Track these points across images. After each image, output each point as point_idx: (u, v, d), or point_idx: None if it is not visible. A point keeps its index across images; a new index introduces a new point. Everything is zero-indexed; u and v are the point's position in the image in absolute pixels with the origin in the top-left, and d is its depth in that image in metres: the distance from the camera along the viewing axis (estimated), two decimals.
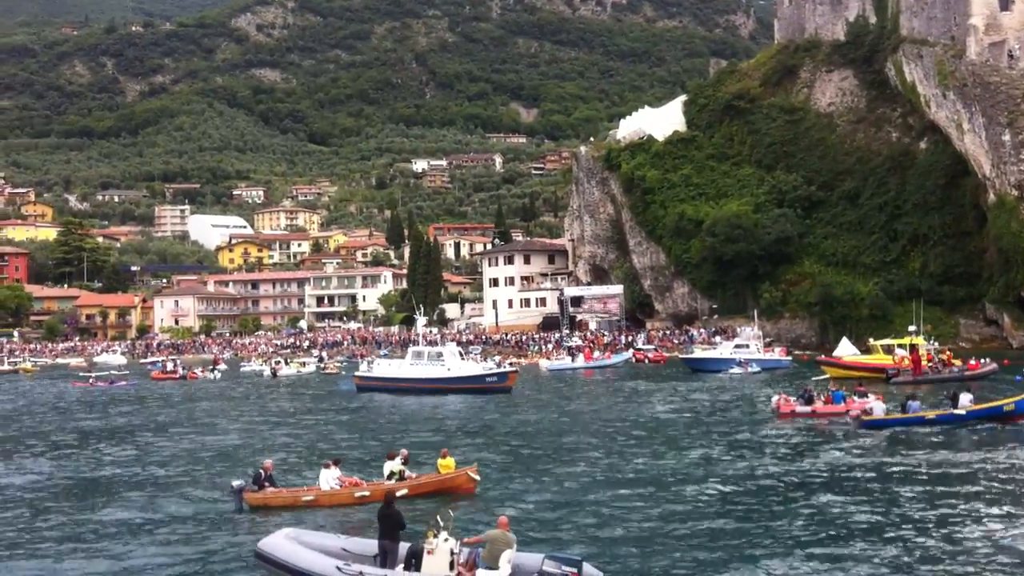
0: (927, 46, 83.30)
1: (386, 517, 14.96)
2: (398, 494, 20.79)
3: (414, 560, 14.45)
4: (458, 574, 13.89)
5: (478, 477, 22.31)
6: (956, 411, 31.71)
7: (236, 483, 22.12)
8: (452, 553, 14.22)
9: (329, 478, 22.33)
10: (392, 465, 22.81)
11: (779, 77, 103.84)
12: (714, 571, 15.68)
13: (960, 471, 23.84)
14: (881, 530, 18.14)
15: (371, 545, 15.12)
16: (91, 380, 68.52)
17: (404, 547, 14.86)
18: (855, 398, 36.95)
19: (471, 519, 19.29)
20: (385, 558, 14.63)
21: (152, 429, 38.82)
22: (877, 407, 33.25)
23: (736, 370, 60.70)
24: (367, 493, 21.64)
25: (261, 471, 22.54)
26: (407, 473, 22.78)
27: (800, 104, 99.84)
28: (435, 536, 14.33)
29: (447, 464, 23.16)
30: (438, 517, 14.86)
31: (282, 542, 14.89)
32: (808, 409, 36.34)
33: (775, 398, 38.27)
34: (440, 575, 13.72)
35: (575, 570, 13.96)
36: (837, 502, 20.78)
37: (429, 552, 14.22)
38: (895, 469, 24.51)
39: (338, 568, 14.07)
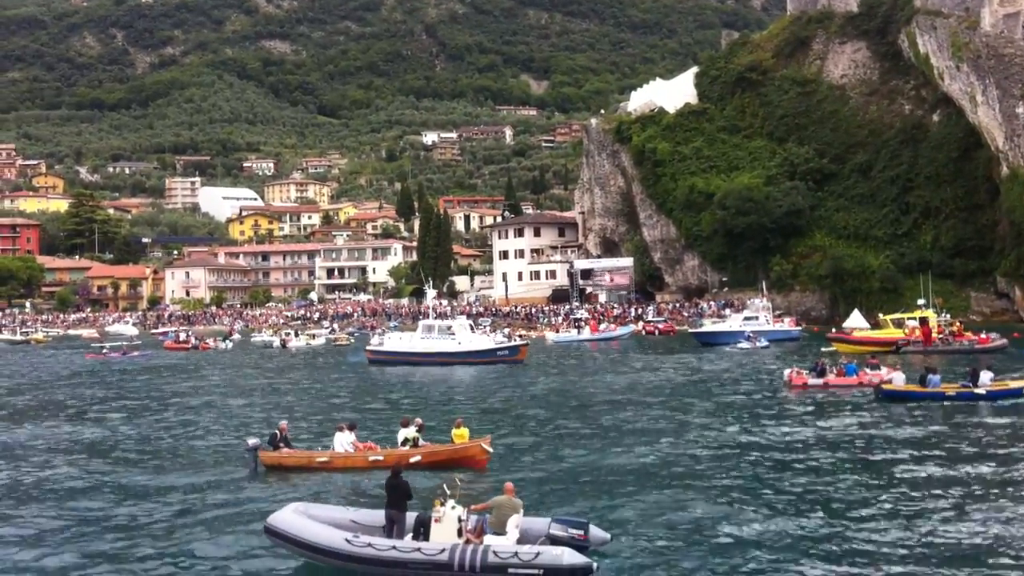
0: (941, 17, 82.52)
1: (393, 487, 15.04)
2: (411, 460, 20.92)
3: (422, 529, 14.55)
4: (466, 540, 13.99)
5: (491, 449, 22.21)
6: (976, 390, 31.55)
7: (252, 442, 22.36)
8: (459, 520, 14.31)
9: (344, 441, 22.42)
10: (406, 432, 22.77)
11: (792, 49, 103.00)
12: (716, 537, 15.74)
13: (975, 449, 23.61)
14: (886, 505, 18.15)
15: (379, 516, 15.18)
16: (104, 351, 68.81)
17: (412, 516, 14.98)
18: (867, 370, 37.00)
19: (479, 487, 19.36)
20: (392, 528, 14.73)
21: (167, 398, 39.09)
22: (897, 378, 33.15)
23: (744, 344, 60.49)
24: (381, 458, 21.62)
25: (277, 432, 22.76)
26: (421, 441, 22.76)
27: (812, 76, 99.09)
28: (442, 504, 14.44)
29: (461, 434, 22.95)
30: (444, 485, 14.96)
31: (291, 516, 14.98)
32: (820, 381, 36.37)
33: (787, 371, 38.29)
34: (448, 542, 13.82)
35: (581, 532, 14.15)
36: (846, 474, 20.79)
37: (436, 520, 14.31)
38: (911, 442, 24.43)
39: (347, 540, 14.17)
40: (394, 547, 13.93)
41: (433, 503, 14.66)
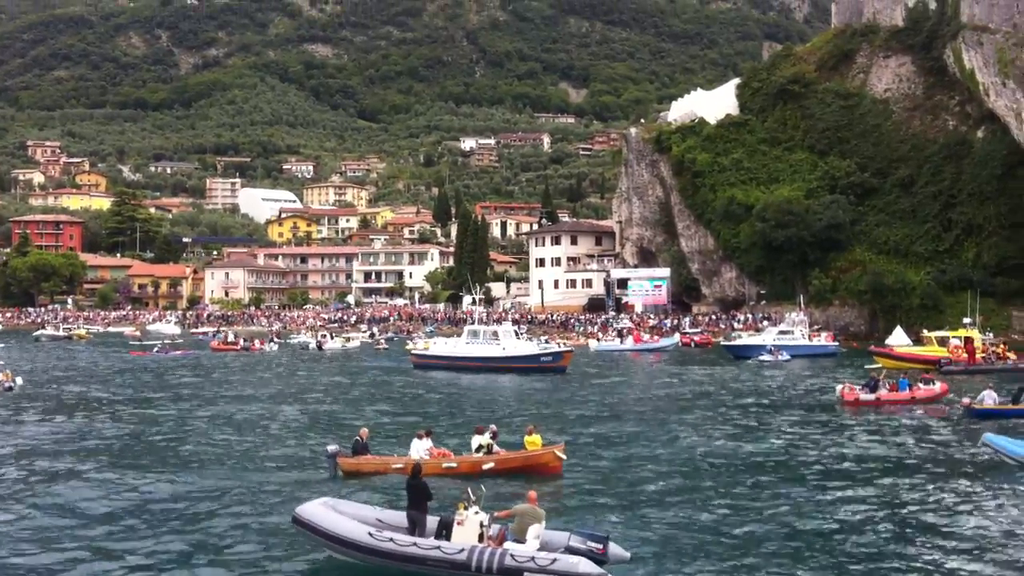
0: (988, 33, 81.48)
1: (413, 487, 15.14)
2: (484, 467, 21.16)
3: (444, 531, 14.70)
4: (487, 545, 14.00)
5: (564, 456, 22.12)
6: None
7: (331, 448, 22.64)
8: (481, 525, 14.40)
9: (420, 448, 22.50)
10: (480, 439, 22.69)
11: (835, 62, 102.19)
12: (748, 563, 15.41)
13: None
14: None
15: (404, 517, 15.29)
16: (156, 349, 69.53)
17: (435, 520, 15.06)
18: (920, 385, 36.41)
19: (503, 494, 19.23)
20: (414, 528, 14.81)
21: (238, 398, 39.49)
22: (988, 396, 32.56)
23: (766, 357, 59.45)
24: (455, 465, 21.75)
25: (358, 438, 23.05)
26: (495, 448, 22.64)
27: (856, 89, 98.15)
28: (465, 508, 14.54)
29: (534, 441, 22.79)
30: (469, 490, 15.01)
31: (318, 509, 15.29)
32: (872, 397, 35.73)
33: (839, 387, 37.67)
34: (468, 543, 13.89)
35: (600, 546, 14.12)
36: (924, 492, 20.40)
37: (459, 523, 14.43)
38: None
39: (369, 534, 14.37)
40: (415, 544, 14.15)
41: (457, 507, 14.73)
